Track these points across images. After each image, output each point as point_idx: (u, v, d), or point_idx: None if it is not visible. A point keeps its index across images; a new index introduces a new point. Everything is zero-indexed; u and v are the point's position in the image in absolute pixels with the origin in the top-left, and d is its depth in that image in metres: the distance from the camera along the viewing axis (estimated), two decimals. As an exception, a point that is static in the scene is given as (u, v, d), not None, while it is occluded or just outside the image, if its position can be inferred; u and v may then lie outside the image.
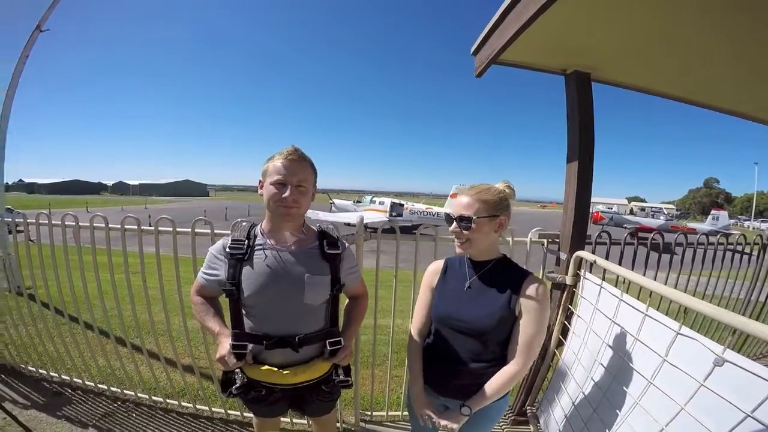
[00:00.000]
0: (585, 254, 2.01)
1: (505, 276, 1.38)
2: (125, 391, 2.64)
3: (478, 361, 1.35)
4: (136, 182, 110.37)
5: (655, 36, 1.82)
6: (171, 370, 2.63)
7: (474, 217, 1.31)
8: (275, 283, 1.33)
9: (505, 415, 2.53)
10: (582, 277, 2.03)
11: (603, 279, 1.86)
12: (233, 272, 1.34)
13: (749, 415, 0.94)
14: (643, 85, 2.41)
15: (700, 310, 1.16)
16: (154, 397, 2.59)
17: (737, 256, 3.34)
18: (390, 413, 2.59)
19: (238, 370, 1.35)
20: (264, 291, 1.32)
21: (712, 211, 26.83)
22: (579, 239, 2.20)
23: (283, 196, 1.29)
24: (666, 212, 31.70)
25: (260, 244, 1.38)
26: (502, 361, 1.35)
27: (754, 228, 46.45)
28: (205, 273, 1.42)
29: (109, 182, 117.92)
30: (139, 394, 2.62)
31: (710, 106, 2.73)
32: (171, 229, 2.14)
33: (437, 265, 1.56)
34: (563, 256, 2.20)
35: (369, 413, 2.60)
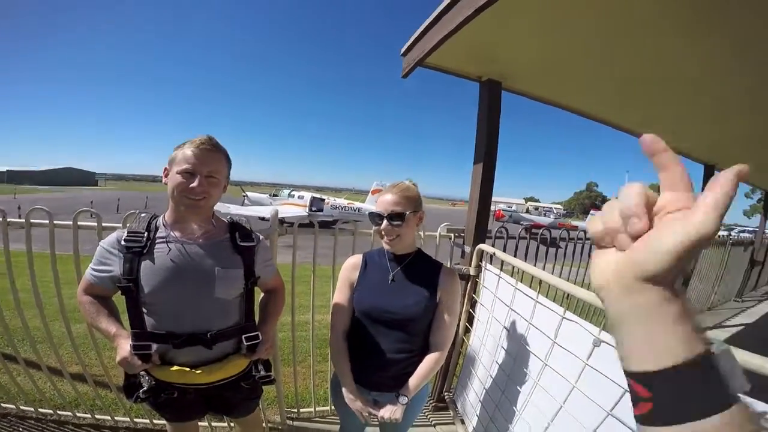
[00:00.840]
0: (485, 247, 2.21)
1: (423, 268, 1.46)
2: (2, 404, 2.24)
3: (405, 351, 1.41)
4: (2, 168, 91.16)
5: (560, 55, 2.07)
6: (57, 379, 2.27)
7: (406, 213, 1.36)
8: (180, 278, 1.23)
9: (426, 403, 2.64)
10: (483, 268, 2.23)
11: (501, 270, 2.05)
12: (129, 267, 1.20)
13: (627, 390, 1.10)
14: (547, 97, 2.71)
15: (579, 296, 1.35)
16: (41, 409, 2.24)
17: None
18: (318, 408, 2.56)
19: (143, 372, 1.22)
20: (167, 287, 1.21)
21: (591, 211, 31.27)
22: (481, 234, 2.41)
23: (191, 186, 1.19)
24: (555, 211, 35.98)
25: (162, 237, 1.26)
26: (425, 349, 1.44)
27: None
28: (95, 269, 1.26)
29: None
30: (21, 407, 2.24)
31: (598, 119, 3.20)
32: (47, 221, 1.82)
33: (356, 260, 1.55)
34: (467, 249, 2.40)
35: (295, 410, 2.52)
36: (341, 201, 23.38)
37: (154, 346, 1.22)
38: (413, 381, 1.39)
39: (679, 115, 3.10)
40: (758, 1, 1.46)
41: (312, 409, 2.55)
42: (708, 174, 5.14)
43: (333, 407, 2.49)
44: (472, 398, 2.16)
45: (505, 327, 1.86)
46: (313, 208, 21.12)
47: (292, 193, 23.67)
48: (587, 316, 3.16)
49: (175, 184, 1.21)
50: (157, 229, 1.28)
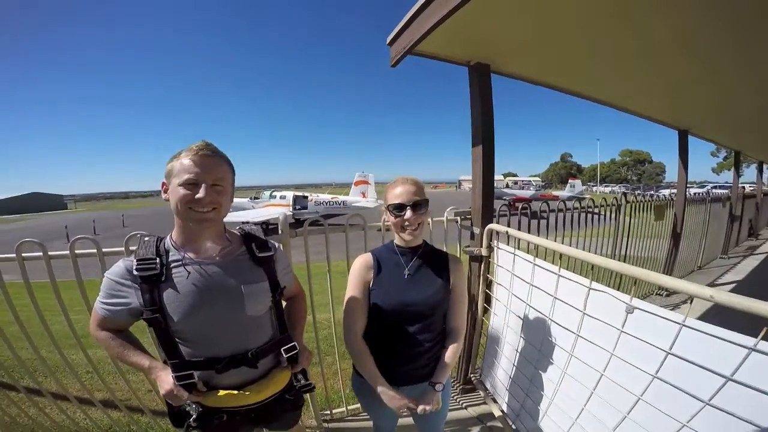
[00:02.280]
0: (496, 226, 2.25)
1: (433, 257, 1.51)
2: None
3: (429, 340, 1.43)
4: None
5: (544, 35, 2.10)
6: (86, 408, 2.24)
7: (428, 200, 1.40)
8: (207, 302, 1.16)
9: (453, 387, 2.68)
10: (495, 248, 2.26)
11: (517, 247, 2.08)
12: (150, 298, 1.12)
13: (669, 353, 1.15)
14: (532, 76, 2.75)
15: (608, 266, 1.39)
16: None
17: (595, 217, 4.01)
18: (349, 407, 2.56)
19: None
20: (196, 313, 1.15)
21: (569, 180, 32.10)
22: (488, 214, 2.46)
23: (197, 197, 1.11)
24: (534, 184, 36.68)
25: (177, 260, 1.18)
26: (443, 334, 1.49)
27: (600, 192, 56.45)
28: (107, 303, 1.17)
29: None
30: None
31: (581, 94, 3.30)
32: (41, 254, 1.72)
33: (367, 259, 1.50)
34: (476, 230, 2.43)
35: (328, 412, 2.52)
36: (325, 196, 23.21)
37: (197, 374, 1.18)
38: (442, 368, 1.43)
39: (654, 85, 3.23)
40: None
41: (344, 409, 2.55)
42: (683, 138, 5.35)
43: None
44: (502, 376, 2.21)
45: (528, 304, 1.89)
46: (297, 207, 20.84)
47: (274, 193, 23.32)
48: (614, 285, 3.24)
49: (178, 198, 1.11)
50: (167, 252, 1.19)
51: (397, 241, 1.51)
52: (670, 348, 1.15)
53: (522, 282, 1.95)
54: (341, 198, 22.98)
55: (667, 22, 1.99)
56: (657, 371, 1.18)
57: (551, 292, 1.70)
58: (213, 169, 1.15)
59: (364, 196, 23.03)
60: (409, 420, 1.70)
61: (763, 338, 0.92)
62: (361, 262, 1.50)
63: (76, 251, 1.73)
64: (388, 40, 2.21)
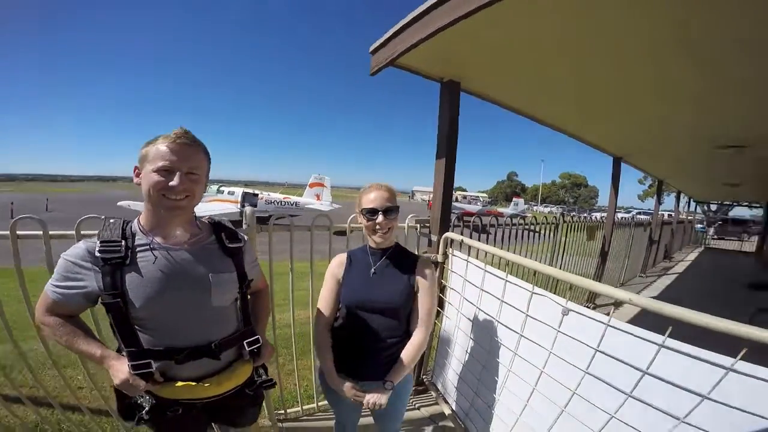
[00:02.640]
0: (452, 235, 2.41)
1: (401, 259, 1.61)
2: None
3: (390, 337, 1.54)
4: None
5: (505, 60, 2.33)
6: (11, 405, 2.01)
7: (398, 207, 1.52)
8: (173, 288, 1.14)
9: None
10: (450, 255, 2.42)
11: (469, 255, 2.25)
12: (111, 281, 1.08)
13: (597, 350, 1.33)
14: (493, 96, 2.99)
15: (546, 272, 1.58)
16: None
17: (534, 234, 4.40)
18: (305, 407, 2.56)
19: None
20: (161, 299, 1.12)
21: (513, 199, 34.02)
22: (446, 223, 2.64)
23: (170, 184, 1.11)
24: (482, 200, 38.41)
25: (144, 244, 1.15)
26: (407, 335, 1.58)
27: (539, 211, 60.31)
28: (59, 285, 1.11)
29: None
30: None
31: (529, 115, 3.62)
32: None
33: (341, 258, 1.67)
34: (434, 237, 2.60)
35: (282, 411, 2.50)
36: (277, 195, 22.51)
37: (155, 364, 1.14)
38: (397, 367, 1.50)
39: (596, 113, 3.63)
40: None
41: (299, 408, 2.55)
42: (616, 165, 5.98)
43: (324, 402, 2.56)
44: (452, 376, 2.35)
45: (478, 307, 2.06)
46: (246, 204, 20.10)
47: (221, 188, 22.34)
48: (553, 290, 3.53)
49: (151, 184, 1.11)
50: (134, 235, 1.16)
51: (370, 242, 1.62)
52: (598, 345, 1.33)
53: (473, 287, 2.11)
54: (294, 198, 22.44)
55: (612, 60, 2.28)
56: (587, 367, 1.37)
57: (499, 296, 1.87)
58: (190, 157, 1.15)
59: (318, 199, 22.75)
60: (370, 420, 1.80)
61: (669, 336, 1.12)
62: (336, 260, 1.67)
63: (18, 232, 1.58)
64: (371, 49, 2.33)
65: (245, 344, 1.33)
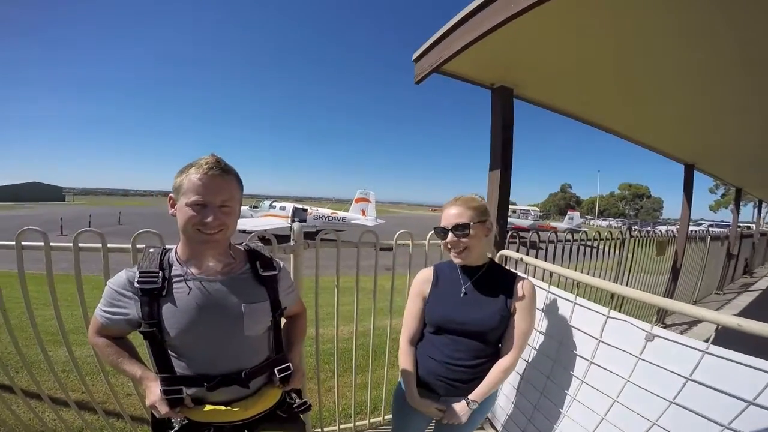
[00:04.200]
0: (509, 253, 2.23)
1: (497, 278, 1.49)
2: None
3: (478, 358, 1.44)
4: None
5: (565, 65, 2.19)
6: (60, 409, 2.12)
7: (471, 223, 1.38)
8: (206, 319, 1.15)
9: None
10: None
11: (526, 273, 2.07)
12: (149, 311, 1.11)
13: (689, 379, 1.15)
14: (550, 103, 2.82)
15: (630, 295, 1.40)
16: None
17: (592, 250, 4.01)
18: (341, 426, 2.48)
19: None
20: (193, 330, 1.14)
21: (568, 212, 32.29)
22: (502, 239, 2.46)
23: (206, 221, 1.10)
24: (533, 213, 36.85)
25: (179, 275, 1.17)
26: (495, 356, 1.47)
27: (596, 225, 56.87)
28: (106, 311, 1.16)
29: None
30: None
31: (593, 123, 3.34)
32: (42, 243, 1.65)
33: (427, 274, 1.58)
34: (489, 255, 2.42)
35: (320, 430, 2.44)
36: (324, 211, 23.16)
37: (186, 390, 1.16)
38: (482, 387, 1.42)
39: (666, 118, 3.32)
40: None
41: (336, 428, 2.46)
42: (688, 173, 5.43)
43: (358, 422, 2.48)
44: (501, 400, 2.17)
45: (538, 330, 1.88)
46: (296, 219, 20.77)
47: (273, 204, 23.31)
48: (632, 313, 3.22)
49: (186, 219, 1.11)
50: (171, 266, 1.18)
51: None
52: (691, 374, 1.15)
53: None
54: (341, 214, 22.90)
55: (683, 57, 2.07)
56: (675, 397, 1.18)
57: (566, 319, 1.69)
58: (222, 190, 1.13)
59: (364, 214, 23.04)
60: None
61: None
62: (422, 275, 1.60)
63: (80, 244, 1.68)
64: (414, 57, 2.26)
65: (276, 371, 1.30)
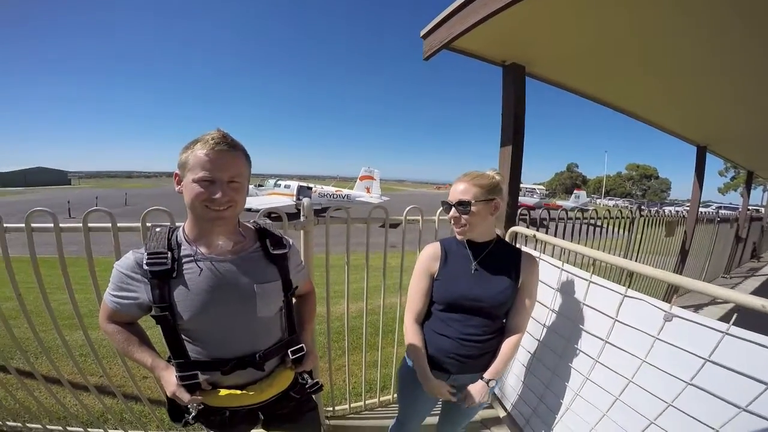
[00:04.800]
0: (521, 229, 2.20)
1: (504, 254, 1.49)
2: (28, 425, 2.09)
3: (488, 333, 1.45)
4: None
5: (582, 43, 2.12)
6: (80, 393, 2.14)
7: (472, 201, 1.35)
8: (220, 301, 1.12)
9: None
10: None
11: (540, 250, 2.05)
12: (160, 294, 1.08)
13: (708, 360, 1.14)
14: (564, 82, 2.73)
15: (646, 272, 1.37)
16: (69, 428, 2.09)
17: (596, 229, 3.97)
18: (352, 405, 2.50)
19: None
20: (207, 312, 1.11)
21: (574, 191, 32.13)
22: (512, 216, 2.43)
23: (214, 197, 1.05)
24: (538, 192, 36.61)
25: (189, 255, 1.13)
26: (502, 331, 1.49)
27: (603, 205, 56.42)
28: (116, 296, 1.12)
29: None
30: (48, 426, 2.09)
31: (606, 102, 3.26)
32: (51, 225, 1.62)
33: (434, 249, 1.52)
34: (499, 231, 2.39)
35: (331, 408, 2.46)
36: (329, 189, 23.15)
37: (202, 375, 1.15)
38: (497, 364, 1.44)
39: (681, 99, 3.24)
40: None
41: (346, 406, 2.49)
42: (701, 155, 5.33)
43: (368, 401, 2.52)
44: (512, 379, 2.19)
45: (550, 309, 1.87)
46: (301, 197, 20.86)
47: (278, 182, 23.33)
48: (649, 291, 3.19)
49: (193, 195, 1.06)
50: (179, 245, 1.14)
51: None
52: (710, 355, 1.14)
53: (544, 286, 1.92)
54: (345, 191, 22.91)
55: (698, 40, 2.04)
56: (692, 378, 1.17)
57: (580, 297, 1.68)
58: (230, 165, 1.08)
59: (368, 192, 23.04)
60: (430, 420, 1.72)
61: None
62: (429, 251, 1.53)
63: (90, 224, 1.63)
64: (423, 33, 2.19)
65: (289, 352, 1.30)
